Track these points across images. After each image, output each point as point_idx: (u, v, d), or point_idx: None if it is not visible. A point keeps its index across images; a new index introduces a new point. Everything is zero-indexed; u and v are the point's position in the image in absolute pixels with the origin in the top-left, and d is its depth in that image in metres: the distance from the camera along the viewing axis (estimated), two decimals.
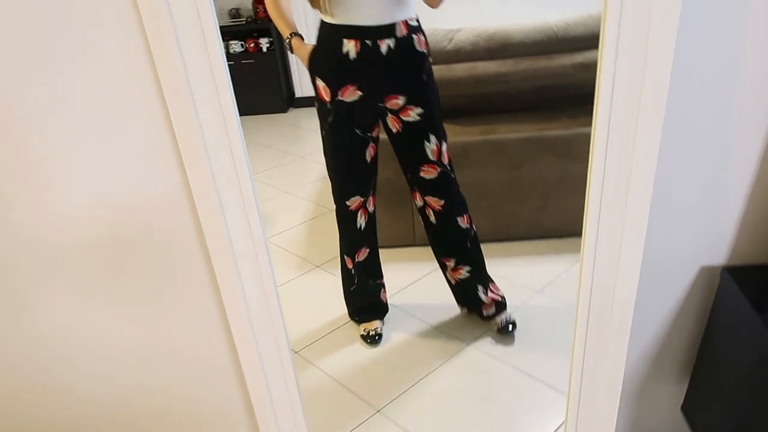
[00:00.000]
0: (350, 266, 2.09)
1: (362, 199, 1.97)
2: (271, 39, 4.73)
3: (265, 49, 4.75)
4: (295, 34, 1.81)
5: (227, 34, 4.78)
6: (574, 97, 2.53)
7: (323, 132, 1.87)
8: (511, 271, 2.45)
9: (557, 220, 2.57)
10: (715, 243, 1.12)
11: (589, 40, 2.46)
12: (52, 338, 1.32)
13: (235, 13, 4.81)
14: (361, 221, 2.01)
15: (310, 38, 1.80)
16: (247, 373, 1.31)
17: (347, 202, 1.95)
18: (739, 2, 0.91)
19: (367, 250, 2.09)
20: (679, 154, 1.03)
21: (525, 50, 2.49)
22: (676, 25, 0.86)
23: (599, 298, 1.11)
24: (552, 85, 2.48)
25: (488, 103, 2.58)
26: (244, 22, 4.77)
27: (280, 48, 4.85)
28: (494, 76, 2.48)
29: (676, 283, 1.18)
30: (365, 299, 2.17)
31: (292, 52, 1.83)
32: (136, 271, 1.22)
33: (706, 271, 1.16)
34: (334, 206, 2.03)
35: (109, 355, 1.34)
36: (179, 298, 1.25)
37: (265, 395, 1.32)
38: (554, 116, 2.54)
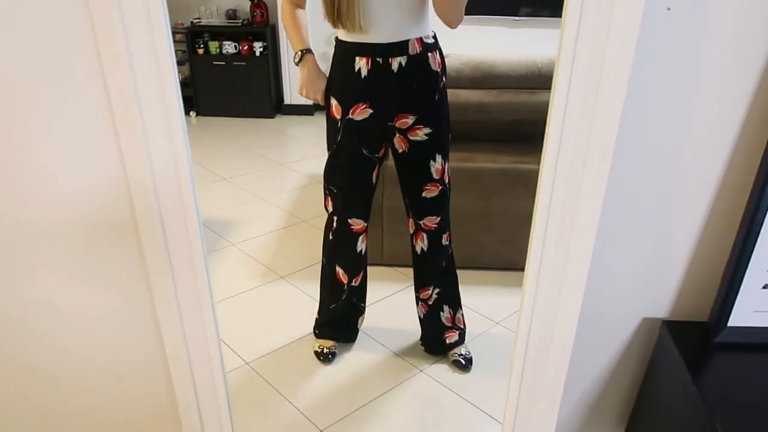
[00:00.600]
0: (344, 282, 2.05)
1: (365, 224, 1.96)
2: (265, 43, 4.74)
3: (258, 53, 4.75)
4: (308, 50, 1.80)
5: (222, 34, 4.78)
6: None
7: (330, 151, 1.85)
8: (474, 300, 2.44)
9: (522, 253, 2.55)
10: (657, 297, 1.13)
11: None
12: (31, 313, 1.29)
13: (232, 15, 4.81)
14: (361, 245, 2.00)
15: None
16: (174, 375, 1.28)
17: (350, 221, 1.93)
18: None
19: (362, 274, 2.08)
20: (623, 208, 1.03)
21: (508, 83, 2.52)
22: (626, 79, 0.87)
23: (537, 340, 1.11)
24: (531, 120, 2.50)
25: (467, 131, 2.59)
26: (240, 24, 4.78)
27: (273, 53, 4.85)
28: (476, 105, 2.50)
29: (618, 332, 1.18)
30: (345, 319, 2.15)
31: (297, 64, 1.83)
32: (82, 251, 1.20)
33: (648, 323, 1.16)
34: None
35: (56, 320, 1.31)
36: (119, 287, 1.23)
37: (191, 398, 1.29)
38: (530, 150, 2.56)
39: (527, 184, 2.47)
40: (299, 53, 1.80)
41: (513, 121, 2.52)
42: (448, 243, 2.00)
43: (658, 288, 1.11)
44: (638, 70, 0.91)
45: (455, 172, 2.49)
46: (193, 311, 1.19)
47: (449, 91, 2.51)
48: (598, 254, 1.07)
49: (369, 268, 2.62)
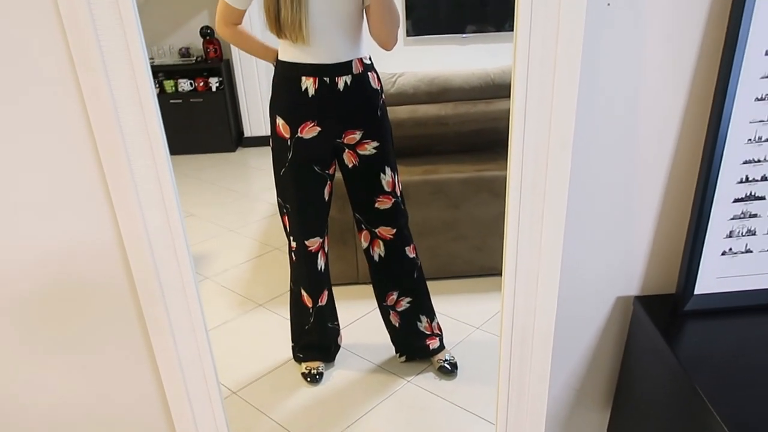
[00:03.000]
0: (309, 305, 2.07)
1: (321, 240, 1.98)
2: (221, 78, 4.77)
3: (214, 89, 4.78)
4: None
5: (177, 73, 4.79)
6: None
7: (280, 171, 1.88)
8: (452, 309, 2.49)
9: (495, 258, 2.64)
10: (628, 275, 1.19)
11: None
12: None
13: (185, 53, 4.83)
14: (321, 263, 2.02)
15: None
16: (175, 414, 1.28)
17: (307, 242, 1.95)
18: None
19: (327, 292, 2.10)
20: (586, 195, 1.10)
21: (464, 95, 2.61)
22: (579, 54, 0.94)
23: (520, 330, 1.16)
24: (489, 129, 2.60)
25: (429, 144, 2.67)
26: (193, 62, 4.80)
27: (229, 87, 4.88)
28: (434, 118, 2.58)
29: (595, 314, 1.24)
30: (321, 340, 2.16)
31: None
32: (64, 320, 1.20)
33: (621, 302, 1.22)
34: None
35: (38, 404, 1.30)
36: (107, 345, 1.23)
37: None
38: (491, 158, 2.64)
39: (492, 189, 2.55)
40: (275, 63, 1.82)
41: (472, 131, 2.61)
42: (414, 255, 2.04)
43: (627, 267, 1.18)
44: (587, 61, 0.98)
45: (421, 185, 2.56)
46: (188, 343, 1.20)
47: (408, 107, 2.61)
48: (568, 242, 1.13)
49: (344, 288, 2.65)
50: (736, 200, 1.03)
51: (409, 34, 4.91)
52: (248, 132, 5.08)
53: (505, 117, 2.58)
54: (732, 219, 1.05)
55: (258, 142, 5.07)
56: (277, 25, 1.68)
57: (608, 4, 0.92)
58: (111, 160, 1.01)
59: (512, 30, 0.97)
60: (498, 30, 4.91)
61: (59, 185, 1.08)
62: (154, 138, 1.01)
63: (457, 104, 2.61)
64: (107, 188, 1.06)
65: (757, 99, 0.97)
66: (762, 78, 0.96)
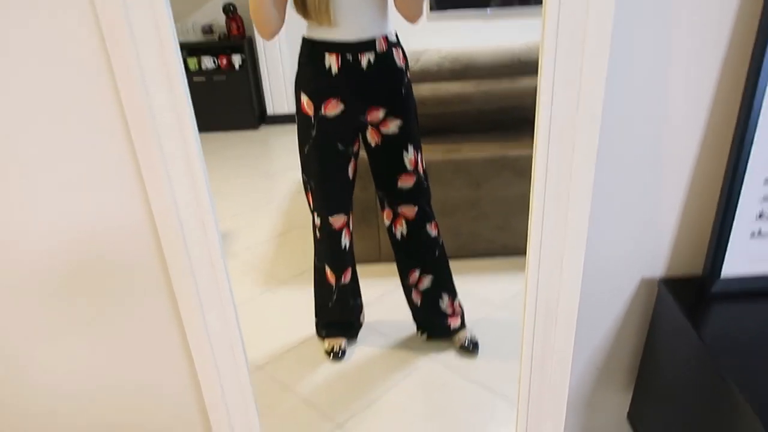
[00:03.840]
0: (332, 282, 2.09)
1: (346, 218, 1.99)
2: (243, 56, 4.77)
3: (237, 66, 4.79)
4: None
5: (200, 50, 4.80)
6: (534, 118, 2.62)
7: (305, 148, 1.88)
8: (473, 288, 2.49)
9: (517, 237, 2.63)
10: (653, 256, 1.18)
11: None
12: (11, 365, 1.31)
13: (207, 30, 4.84)
14: (345, 241, 2.03)
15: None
16: (204, 386, 1.32)
17: (331, 219, 1.97)
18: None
19: (350, 270, 2.12)
20: (614, 172, 1.09)
21: (487, 72, 2.58)
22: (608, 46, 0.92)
23: (543, 307, 1.16)
24: (513, 107, 2.56)
25: (452, 122, 2.65)
26: (217, 39, 4.80)
27: (252, 65, 4.89)
28: (457, 96, 2.56)
29: (619, 294, 1.23)
30: (344, 317, 2.19)
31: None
32: (97, 295, 1.24)
33: (646, 283, 1.21)
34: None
35: (70, 380, 1.34)
36: (139, 320, 1.27)
37: (221, 407, 1.33)
38: (515, 137, 2.62)
39: (515, 169, 2.53)
40: None
41: (496, 109, 2.58)
42: (437, 233, 2.05)
43: (653, 247, 1.17)
44: (618, 34, 0.96)
45: (443, 164, 2.55)
46: (216, 318, 1.23)
47: (431, 85, 2.59)
48: (594, 220, 1.12)
49: (367, 266, 2.67)
50: None
51: (432, 9, 4.84)
52: (271, 110, 5.09)
53: (530, 95, 2.56)
54: (763, 200, 1.03)
55: (280, 120, 5.08)
56: (303, 6, 1.67)
57: None
58: (142, 138, 1.03)
59: (538, 4, 0.95)
60: (523, 4, 4.80)
61: (92, 164, 1.10)
62: (183, 116, 1.03)
63: (480, 82, 2.58)
64: (138, 166, 1.08)
65: None
66: None
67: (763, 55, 0.91)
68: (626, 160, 1.08)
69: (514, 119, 2.64)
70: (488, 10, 4.83)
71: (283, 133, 4.94)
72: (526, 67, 2.56)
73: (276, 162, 4.38)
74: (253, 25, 1.70)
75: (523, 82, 2.56)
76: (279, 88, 4.99)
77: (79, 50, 1.00)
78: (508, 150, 2.55)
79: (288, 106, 5.05)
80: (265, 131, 5.03)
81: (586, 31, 0.91)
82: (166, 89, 0.99)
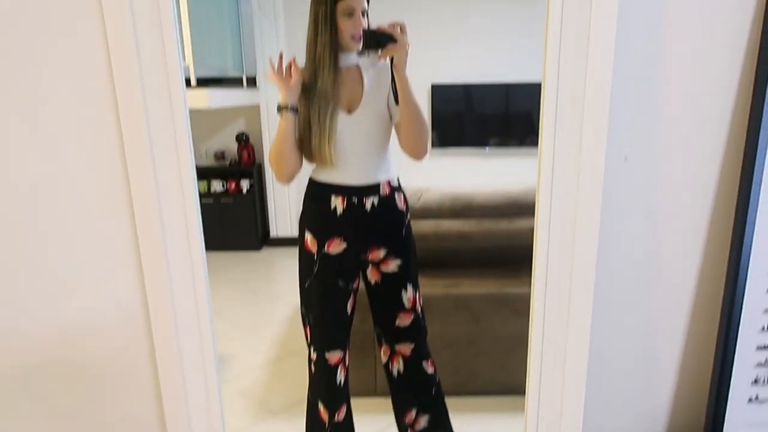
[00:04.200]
0: (325, 420, 2.03)
1: (342, 354, 1.99)
2: (251, 181, 4.98)
3: (245, 190, 4.97)
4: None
5: (210, 174, 5.02)
6: (531, 257, 2.70)
7: (305, 283, 1.92)
8: (471, 428, 2.42)
9: (516, 376, 2.59)
10: (653, 415, 1.18)
11: None
12: None
13: (220, 156, 5.09)
14: (340, 377, 2.01)
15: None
16: None
17: (327, 355, 1.96)
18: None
19: (345, 407, 2.07)
20: (607, 349, 1.12)
21: (486, 212, 2.69)
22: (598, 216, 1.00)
23: None
24: (511, 245, 2.65)
25: (452, 258, 2.72)
26: (227, 165, 5.04)
27: (259, 188, 5.09)
28: (457, 233, 2.65)
29: None
30: None
31: (287, 107, 1.73)
32: (82, 398, 1.22)
33: None
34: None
35: None
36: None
37: None
38: (514, 274, 2.67)
39: (514, 306, 2.55)
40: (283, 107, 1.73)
41: (494, 247, 2.67)
42: (433, 371, 2.03)
43: (651, 406, 1.17)
44: (606, 204, 1.04)
45: (443, 298, 2.58)
46: None
47: (432, 222, 2.69)
48: (591, 378, 1.13)
49: (362, 400, 2.60)
50: (759, 347, 1.05)
51: (434, 145, 5.13)
52: (274, 232, 5.21)
53: (526, 235, 2.65)
54: (757, 365, 1.06)
55: (283, 242, 5.18)
56: (309, 150, 1.79)
57: (625, 159, 0.99)
58: (150, 260, 1.07)
59: (533, 145, 1.04)
60: (520, 145, 5.10)
61: (101, 277, 1.14)
62: (194, 243, 1.08)
63: (480, 221, 2.68)
64: (146, 300, 1.11)
65: None
66: None
67: (741, 245, 0.99)
68: (621, 327, 1.12)
69: (512, 257, 2.71)
70: (486, 148, 5.13)
71: (285, 255, 5.02)
72: (522, 208, 2.68)
73: (277, 284, 4.41)
74: (272, 169, 1.82)
75: (520, 223, 2.67)
76: (284, 212, 5.15)
77: (105, 176, 1.08)
78: (507, 287, 2.60)
79: (291, 229, 5.18)
80: (268, 253, 5.11)
81: (578, 194, 0.99)
82: (180, 212, 1.04)
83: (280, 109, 1.74)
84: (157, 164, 1.03)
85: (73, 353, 1.19)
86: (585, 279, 1.00)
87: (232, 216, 5.01)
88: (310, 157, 1.81)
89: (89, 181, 1.10)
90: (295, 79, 1.72)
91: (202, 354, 1.12)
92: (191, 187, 1.03)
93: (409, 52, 1.67)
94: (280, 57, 1.73)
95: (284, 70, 1.72)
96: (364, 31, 1.70)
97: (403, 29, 1.67)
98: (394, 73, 1.70)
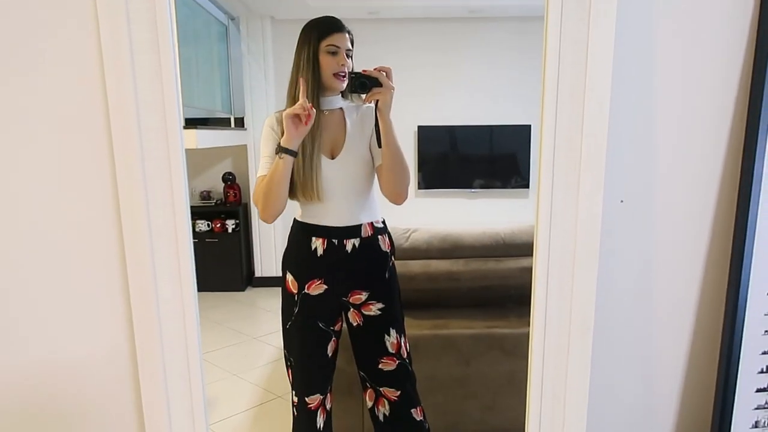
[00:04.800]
0: None
1: (321, 397, 1.95)
2: (237, 221, 4.95)
3: (230, 230, 4.94)
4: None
5: (196, 214, 4.99)
6: (520, 297, 2.69)
7: (287, 324, 1.90)
8: None
9: (506, 418, 2.56)
10: None
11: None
12: None
13: (206, 195, 5.07)
14: (320, 421, 1.96)
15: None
16: None
17: (307, 399, 1.92)
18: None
19: None
20: (606, 395, 1.12)
21: (474, 252, 2.70)
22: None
23: None
24: (499, 285, 2.65)
25: (440, 298, 2.71)
26: (213, 204, 5.02)
27: (245, 228, 5.06)
28: (446, 273, 2.65)
29: None
30: None
31: (287, 152, 1.68)
32: None
33: None
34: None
35: None
36: None
37: None
38: (502, 314, 2.67)
39: (503, 347, 2.54)
40: (280, 155, 1.69)
41: (483, 287, 2.66)
42: (422, 419, 1.99)
43: None
44: (603, 245, 1.05)
45: (431, 339, 2.56)
46: None
47: (421, 262, 2.69)
48: (592, 416, 1.12)
49: None
50: (759, 389, 1.05)
51: (420, 187, 5.17)
52: (259, 272, 5.16)
53: (514, 275, 2.66)
54: (756, 409, 1.06)
55: (268, 282, 5.13)
56: (292, 190, 1.78)
57: (621, 201, 1.01)
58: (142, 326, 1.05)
59: (518, 186, 1.05)
60: (504, 186, 5.17)
61: (89, 333, 1.11)
62: (186, 285, 1.06)
63: (468, 261, 2.68)
64: (134, 345, 1.08)
65: None
66: None
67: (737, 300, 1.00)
68: (617, 378, 1.11)
69: (500, 297, 2.71)
70: (471, 189, 5.18)
71: (269, 295, 4.96)
72: (510, 249, 2.70)
73: (260, 326, 4.34)
74: (257, 207, 1.79)
75: (507, 263, 2.67)
76: (269, 251, 5.12)
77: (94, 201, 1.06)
78: (496, 328, 2.58)
79: (276, 269, 5.13)
80: (252, 293, 5.05)
81: (575, 256, 1.00)
82: (173, 253, 1.03)
83: (280, 150, 1.69)
84: (150, 206, 1.02)
85: (57, 398, 1.15)
86: (584, 320, 1.01)
87: (217, 256, 4.95)
88: (293, 196, 1.80)
89: (78, 221, 1.08)
90: (308, 125, 1.65)
91: (191, 400, 1.09)
92: (185, 230, 1.03)
93: (393, 95, 1.67)
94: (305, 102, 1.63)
95: (307, 113, 1.62)
96: (349, 73, 1.71)
97: (388, 74, 1.68)
98: (378, 116, 1.69)
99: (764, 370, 1.03)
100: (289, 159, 1.70)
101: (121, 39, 0.92)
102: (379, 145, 1.74)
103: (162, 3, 0.92)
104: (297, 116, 1.64)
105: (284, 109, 1.79)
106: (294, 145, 1.69)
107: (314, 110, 1.67)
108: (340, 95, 1.84)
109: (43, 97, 1.04)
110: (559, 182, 0.94)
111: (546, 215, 0.97)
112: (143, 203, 1.00)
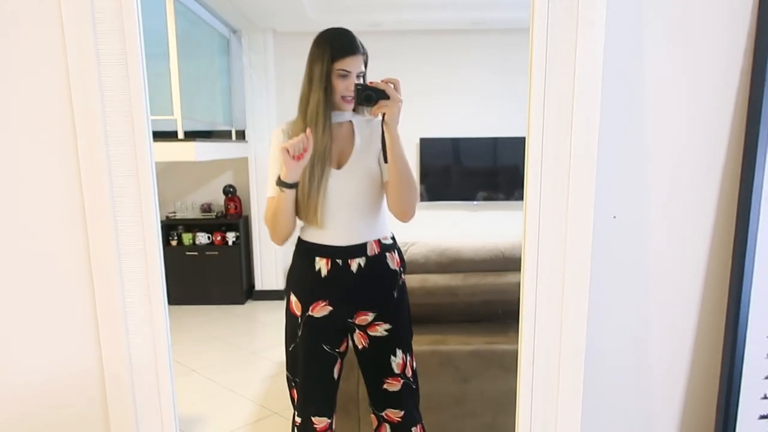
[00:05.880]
0: None
1: (329, 421, 1.89)
2: (238, 233, 4.92)
3: (230, 243, 4.91)
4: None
5: (196, 226, 4.96)
6: (519, 313, 2.64)
7: (290, 346, 1.85)
8: None
9: None
10: None
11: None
12: None
13: (206, 208, 5.05)
14: None
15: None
16: None
17: (313, 420, 1.86)
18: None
19: None
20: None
21: (474, 266, 2.64)
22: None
23: None
24: (499, 300, 2.59)
25: (438, 314, 2.65)
26: (214, 217, 4.99)
27: (245, 241, 5.02)
28: (444, 288, 2.59)
29: None
30: None
31: (287, 185, 1.66)
32: None
33: None
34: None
35: None
36: None
37: None
38: (501, 330, 2.60)
39: (503, 364, 2.47)
40: (282, 190, 1.67)
41: (482, 302, 2.60)
42: None
43: None
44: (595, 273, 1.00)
45: (429, 355, 2.50)
46: None
47: (418, 276, 2.64)
48: None
49: None
50: (762, 417, 0.99)
51: (422, 199, 5.13)
52: (259, 285, 5.11)
53: (514, 290, 2.60)
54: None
55: (268, 296, 5.08)
56: (295, 207, 1.73)
57: (614, 217, 0.96)
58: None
59: (521, 199, 1.00)
60: (508, 198, 5.11)
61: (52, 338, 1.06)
62: (156, 300, 1.01)
63: (467, 275, 2.63)
64: (102, 364, 1.04)
65: None
66: None
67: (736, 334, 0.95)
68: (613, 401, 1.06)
69: (500, 313, 2.65)
70: (474, 201, 5.13)
71: (269, 308, 4.91)
72: (510, 263, 2.64)
73: (259, 340, 4.29)
74: (268, 230, 1.75)
75: (507, 278, 2.62)
76: (270, 264, 5.08)
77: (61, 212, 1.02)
78: (495, 344, 2.52)
79: (277, 282, 5.09)
80: (252, 306, 5.00)
81: (566, 252, 0.95)
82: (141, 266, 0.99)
83: (280, 184, 1.66)
84: (117, 220, 0.98)
85: (23, 418, 1.10)
86: (575, 338, 0.95)
87: (217, 269, 4.92)
88: (298, 214, 1.75)
89: (44, 233, 1.05)
90: (305, 157, 1.62)
91: (161, 423, 1.04)
92: (155, 244, 0.99)
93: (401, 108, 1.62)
94: (301, 140, 1.60)
95: (298, 152, 1.59)
96: (356, 85, 1.66)
97: (396, 86, 1.64)
98: (385, 129, 1.64)
99: (767, 396, 0.97)
100: (291, 192, 1.67)
101: (87, 49, 0.88)
102: (386, 160, 1.68)
103: (129, 9, 0.88)
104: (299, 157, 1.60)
105: (291, 122, 1.77)
106: (293, 178, 1.65)
107: (311, 143, 1.61)
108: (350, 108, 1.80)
109: (6, 103, 1.01)
110: (546, 196, 0.89)
111: (534, 231, 0.93)
112: (111, 218, 0.96)
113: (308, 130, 1.62)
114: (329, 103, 1.71)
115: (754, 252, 0.94)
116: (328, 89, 1.70)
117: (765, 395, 0.98)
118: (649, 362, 1.06)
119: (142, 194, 0.95)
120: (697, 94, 1.03)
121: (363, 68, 1.75)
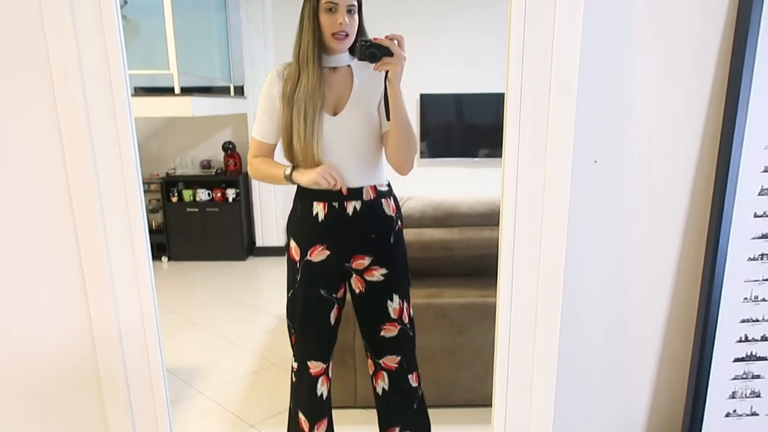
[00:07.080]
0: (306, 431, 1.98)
1: (324, 366, 1.93)
2: (238, 190, 4.93)
3: (230, 199, 4.92)
4: (294, 167, 1.78)
5: (196, 183, 4.97)
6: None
7: (290, 291, 1.88)
8: None
9: None
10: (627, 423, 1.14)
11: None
12: None
13: (206, 165, 5.04)
14: (322, 389, 1.95)
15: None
16: None
17: (309, 364, 1.91)
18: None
19: (326, 421, 2.01)
20: (577, 367, 1.08)
21: (469, 220, 2.65)
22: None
23: None
24: (494, 254, 2.60)
25: (434, 268, 2.67)
26: (213, 173, 4.99)
27: (245, 198, 5.04)
28: (439, 242, 2.60)
29: None
30: None
31: (291, 179, 1.76)
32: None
33: None
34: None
35: None
36: None
37: None
38: (495, 284, 2.62)
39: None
40: (287, 170, 1.76)
41: (477, 256, 2.62)
42: (417, 384, 1.97)
43: (625, 413, 1.12)
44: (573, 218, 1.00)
45: (424, 308, 2.53)
46: None
47: (414, 230, 2.64)
48: (561, 387, 1.09)
49: (342, 411, 2.54)
50: (737, 359, 1.00)
51: (423, 156, 5.10)
52: (260, 242, 5.15)
53: None
54: (734, 379, 1.01)
55: (269, 252, 5.13)
56: (290, 152, 1.73)
57: (595, 161, 0.96)
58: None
59: None
60: None
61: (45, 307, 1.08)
62: (140, 258, 1.03)
63: (462, 229, 2.64)
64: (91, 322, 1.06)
65: (750, 259, 0.97)
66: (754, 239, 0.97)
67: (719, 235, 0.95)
68: (591, 348, 1.07)
69: (495, 267, 2.66)
70: (476, 158, 5.10)
71: (270, 264, 4.96)
72: None
73: (260, 295, 4.35)
74: (249, 169, 1.87)
75: None
76: (270, 221, 5.10)
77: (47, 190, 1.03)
78: (489, 297, 2.55)
79: (277, 239, 5.12)
80: (253, 262, 5.05)
81: (544, 204, 0.95)
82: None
83: (288, 177, 1.76)
84: (100, 175, 0.98)
85: (17, 377, 1.13)
86: (553, 283, 0.96)
87: (217, 225, 4.95)
88: (292, 160, 1.76)
89: (33, 188, 1.05)
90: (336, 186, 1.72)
91: (150, 378, 1.07)
92: (137, 201, 0.99)
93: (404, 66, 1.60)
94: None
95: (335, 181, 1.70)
96: (360, 41, 1.62)
97: (400, 42, 1.61)
98: (388, 86, 1.63)
99: (742, 339, 0.99)
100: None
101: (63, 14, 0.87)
102: (388, 117, 1.68)
103: None
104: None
105: (287, 64, 1.76)
106: (303, 183, 1.76)
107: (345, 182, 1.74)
108: (348, 52, 1.77)
109: None
110: (525, 143, 0.89)
111: (512, 175, 0.92)
112: (91, 166, 0.96)
113: (335, 173, 1.71)
114: (319, 43, 1.69)
115: (734, 199, 0.93)
116: (317, 27, 1.67)
117: (740, 338, 1.00)
118: (626, 311, 1.07)
119: (121, 138, 0.95)
120: (681, 41, 1.01)
121: (353, 1, 1.70)
